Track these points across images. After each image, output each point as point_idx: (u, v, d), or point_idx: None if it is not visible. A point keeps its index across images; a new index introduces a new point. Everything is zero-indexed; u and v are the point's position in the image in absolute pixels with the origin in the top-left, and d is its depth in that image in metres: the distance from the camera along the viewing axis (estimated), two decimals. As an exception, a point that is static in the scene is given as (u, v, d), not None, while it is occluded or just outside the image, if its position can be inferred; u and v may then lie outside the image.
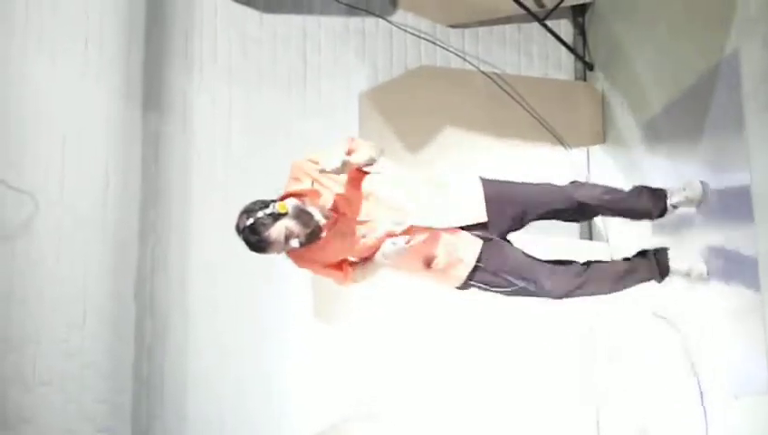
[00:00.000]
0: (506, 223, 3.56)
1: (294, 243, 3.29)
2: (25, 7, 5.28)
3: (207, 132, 5.36)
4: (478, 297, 4.87)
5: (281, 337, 5.12)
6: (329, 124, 5.35)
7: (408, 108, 5.19)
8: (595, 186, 3.89)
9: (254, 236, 3.27)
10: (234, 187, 5.25)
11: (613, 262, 3.85)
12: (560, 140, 5.09)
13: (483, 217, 3.51)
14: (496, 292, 3.61)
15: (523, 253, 3.60)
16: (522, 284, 3.54)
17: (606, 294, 3.70)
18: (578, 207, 3.63)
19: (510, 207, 3.56)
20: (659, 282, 3.70)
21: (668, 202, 3.70)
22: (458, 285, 3.60)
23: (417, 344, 5.00)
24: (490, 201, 3.53)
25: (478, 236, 3.50)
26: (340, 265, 3.58)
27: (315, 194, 3.40)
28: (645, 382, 4.38)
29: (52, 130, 5.20)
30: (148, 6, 5.39)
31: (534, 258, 3.60)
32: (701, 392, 3.64)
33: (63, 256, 5.12)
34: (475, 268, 3.52)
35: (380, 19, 5.48)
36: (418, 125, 5.10)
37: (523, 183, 3.66)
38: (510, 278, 3.53)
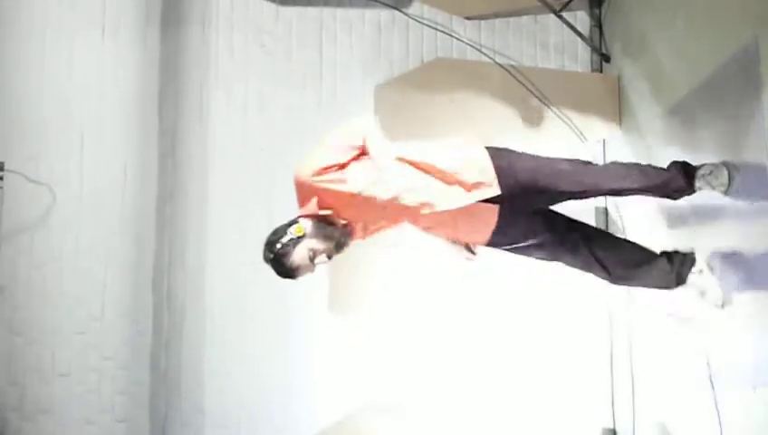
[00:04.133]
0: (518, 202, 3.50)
1: (322, 259, 3.24)
2: (44, 3, 5.32)
3: (224, 125, 5.38)
4: (495, 288, 4.94)
5: (297, 330, 5.14)
6: (345, 117, 5.28)
7: (424, 100, 5.18)
8: (624, 174, 3.60)
9: (280, 267, 3.23)
10: (249, 180, 5.28)
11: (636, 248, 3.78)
12: (576, 132, 5.08)
13: (496, 191, 3.37)
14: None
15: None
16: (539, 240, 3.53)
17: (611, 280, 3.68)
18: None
19: (523, 193, 3.46)
20: (671, 289, 3.66)
21: (696, 185, 3.56)
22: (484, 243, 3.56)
23: (432, 337, 5.02)
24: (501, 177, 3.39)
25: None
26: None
27: (328, 216, 3.29)
28: (661, 375, 4.37)
29: (69, 123, 5.25)
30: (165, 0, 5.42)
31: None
32: (710, 382, 3.63)
33: (82, 249, 5.17)
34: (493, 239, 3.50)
35: (396, 11, 5.47)
36: (434, 117, 5.09)
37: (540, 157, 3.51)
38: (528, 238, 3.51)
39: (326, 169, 3.22)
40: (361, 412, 4.96)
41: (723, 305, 3.56)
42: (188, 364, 5.21)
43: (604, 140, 5.27)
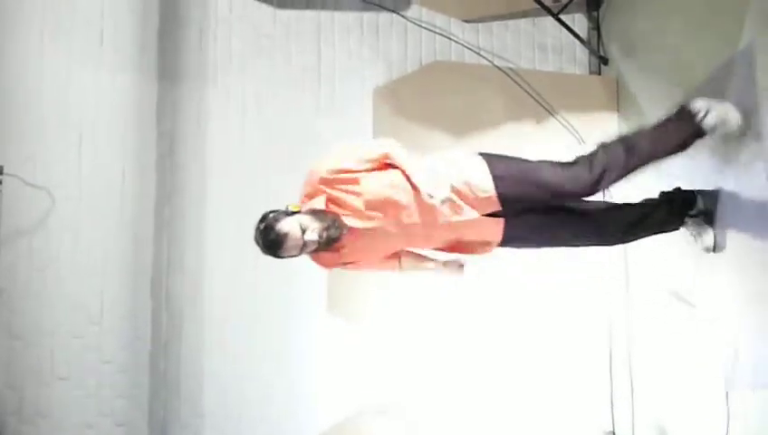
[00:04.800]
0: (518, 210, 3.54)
1: (312, 235, 3.21)
2: (42, 4, 5.32)
3: (222, 128, 5.37)
4: (494, 290, 4.94)
5: (296, 333, 5.13)
6: (343, 120, 5.36)
7: (423, 103, 5.19)
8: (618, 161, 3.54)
9: (269, 233, 3.23)
10: (248, 183, 5.28)
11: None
12: (574, 135, 5.08)
13: (496, 207, 3.46)
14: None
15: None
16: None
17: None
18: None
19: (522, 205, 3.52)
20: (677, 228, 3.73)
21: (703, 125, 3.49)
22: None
23: (432, 339, 5.01)
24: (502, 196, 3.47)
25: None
26: (392, 256, 3.59)
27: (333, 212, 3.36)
28: (660, 377, 4.37)
29: (67, 126, 5.23)
30: (162, 3, 5.42)
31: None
32: (709, 384, 3.63)
33: (80, 252, 5.15)
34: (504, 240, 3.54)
35: (395, 14, 5.48)
36: (433, 120, 5.10)
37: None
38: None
39: (342, 172, 3.31)
40: (362, 415, 4.96)
41: (714, 250, 3.59)
42: (188, 367, 5.19)
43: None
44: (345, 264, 3.53)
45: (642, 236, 3.78)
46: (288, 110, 5.41)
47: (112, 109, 5.30)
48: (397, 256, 3.59)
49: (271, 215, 3.28)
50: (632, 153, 3.48)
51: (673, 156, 3.53)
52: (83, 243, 5.16)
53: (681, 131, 3.50)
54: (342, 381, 5.08)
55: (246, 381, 5.12)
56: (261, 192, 5.21)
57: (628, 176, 3.50)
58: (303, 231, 3.23)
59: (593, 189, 3.47)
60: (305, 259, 3.55)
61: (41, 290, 5.09)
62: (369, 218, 3.35)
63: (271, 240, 3.24)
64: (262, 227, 3.27)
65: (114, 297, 5.16)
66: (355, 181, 3.33)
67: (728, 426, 3.48)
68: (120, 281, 5.17)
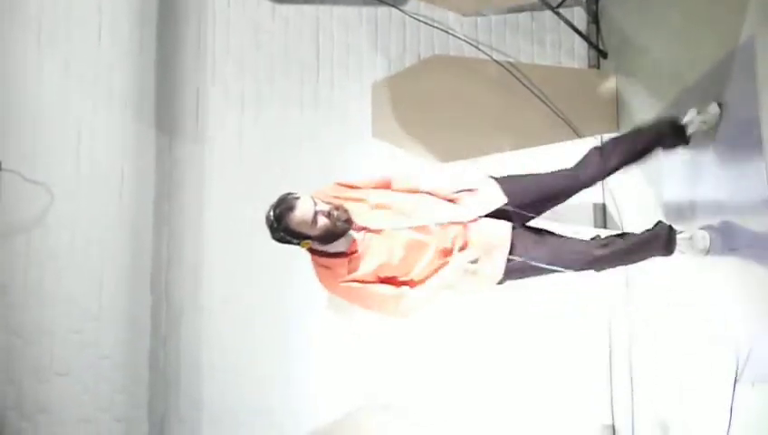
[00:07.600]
0: (525, 209, 3.63)
1: (323, 206, 3.36)
2: (40, 1, 5.31)
3: (220, 124, 5.37)
4: (494, 288, 4.93)
5: (294, 328, 5.13)
6: (342, 115, 5.36)
7: (422, 97, 5.18)
8: (606, 157, 3.89)
9: (284, 201, 3.36)
10: (246, 178, 5.28)
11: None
12: (573, 128, 5.06)
13: (503, 200, 3.63)
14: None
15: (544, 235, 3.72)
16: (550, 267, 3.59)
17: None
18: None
19: (526, 195, 3.67)
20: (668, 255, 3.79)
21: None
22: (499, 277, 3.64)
23: (432, 335, 5.01)
24: (507, 192, 3.66)
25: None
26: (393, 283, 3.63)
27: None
28: (660, 371, 4.37)
29: (66, 123, 5.23)
30: (161, -1, 5.42)
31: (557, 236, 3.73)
32: (709, 378, 3.63)
33: (79, 248, 5.15)
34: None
35: (393, 8, 5.46)
36: (432, 115, 5.09)
37: (534, 174, 3.81)
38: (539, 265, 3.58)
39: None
40: (361, 410, 4.96)
41: (708, 252, 3.67)
42: (186, 362, 5.20)
43: (602, 137, 5.26)
44: (349, 281, 3.54)
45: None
46: (286, 104, 5.40)
47: (111, 104, 5.30)
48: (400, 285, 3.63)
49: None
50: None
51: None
52: (82, 239, 5.17)
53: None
54: (341, 376, 5.07)
55: (245, 375, 5.12)
56: (259, 188, 5.20)
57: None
58: (315, 204, 3.36)
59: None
60: (306, 258, 3.59)
61: (39, 286, 5.09)
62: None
63: (285, 207, 3.34)
64: (276, 200, 3.38)
65: (112, 293, 5.16)
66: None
67: (730, 420, 3.48)
68: (118, 277, 5.17)
